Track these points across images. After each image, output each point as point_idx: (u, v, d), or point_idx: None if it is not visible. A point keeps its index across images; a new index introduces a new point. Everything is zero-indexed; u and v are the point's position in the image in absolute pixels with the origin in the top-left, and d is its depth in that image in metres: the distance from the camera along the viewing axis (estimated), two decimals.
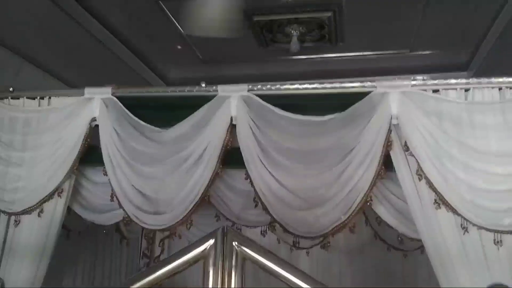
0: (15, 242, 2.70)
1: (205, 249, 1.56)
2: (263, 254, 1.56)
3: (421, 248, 4.55)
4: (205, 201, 2.60)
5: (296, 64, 5.39)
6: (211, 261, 1.55)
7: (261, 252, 1.57)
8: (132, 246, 4.88)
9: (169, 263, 1.57)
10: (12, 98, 2.90)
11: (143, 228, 3.89)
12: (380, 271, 4.82)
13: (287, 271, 1.53)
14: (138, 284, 1.55)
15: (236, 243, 1.56)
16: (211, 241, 1.56)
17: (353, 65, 5.27)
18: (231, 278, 1.55)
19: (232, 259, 1.55)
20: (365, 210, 4.33)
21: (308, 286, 1.50)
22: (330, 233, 2.48)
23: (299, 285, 1.51)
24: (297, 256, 5.42)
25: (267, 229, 3.75)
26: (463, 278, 2.30)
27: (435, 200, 2.29)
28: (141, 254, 5.04)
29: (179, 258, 1.57)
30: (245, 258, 1.56)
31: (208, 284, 1.55)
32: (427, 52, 5.17)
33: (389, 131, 2.40)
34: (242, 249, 1.55)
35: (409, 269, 4.75)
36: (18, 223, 2.71)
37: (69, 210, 2.98)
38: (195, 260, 1.57)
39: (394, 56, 5.19)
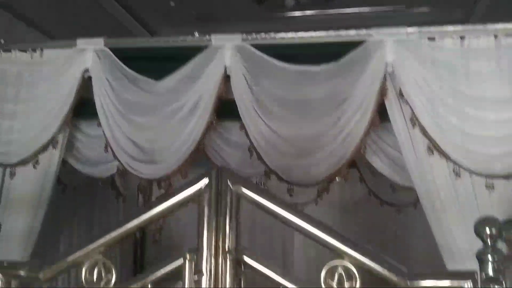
0: (11, 193, 2.72)
1: (200, 188, 1.57)
2: (259, 192, 1.57)
3: (414, 203, 4.64)
4: (200, 152, 2.61)
5: (291, 22, 5.31)
6: (206, 200, 1.56)
7: (256, 190, 1.58)
8: (128, 203, 4.90)
9: (164, 201, 1.58)
10: (3, 51, 2.86)
11: (138, 184, 3.91)
12: (374, 227, 4.89)
13: (282, 209, 1.55)
14: (135, 222, 1.56)
15: (231, 182, 1.57)
16: (206, 180, 1.56)
17: (349, 22, 5.21)
18: (226, 217, 1.57)
19: (227, 197, 1.57)
20: (359, 166, 4.41)
21: (302, 222, 1.51)
22: (325, 181, 2.50)
23: (294, 222, 1.53)
24: (291, 229, 5.47)
25: (262, 183, 3.76)
26: (455, 224, 2.33)
27: (428, 146, 2.31)
28: None
29: (174, 196, 1.58)
30: (240, 197, 1.57)
31: (203, 223, 1.56)
32: (423, 8, 5.11)
33: (384, 79, 2.39)
34: (237, 187, 1.56)
35: (402, 225, 4.82)
36: (14, 175, 2.72)
37: (64, 164, 2.99)
38: (190, 199, 1.58)
39: (390, 12, 5.12)
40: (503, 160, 2.24)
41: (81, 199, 3.98)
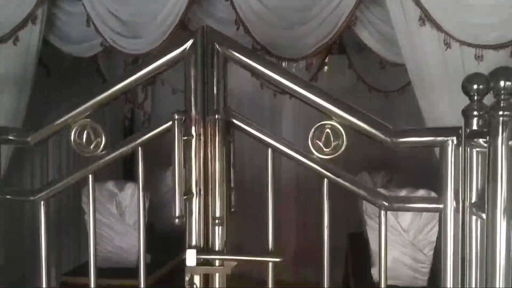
0: None
1: (185, 49, 1.52)
2: (246, 54, 1.53)
3: (402, 88, 4.68)
4: (184, 27, 2.53)
5: None
6: (192, 61, 1.53)
7: (243, 51, 1.54)
8: None
9: (150, 64, 1.55)
10: None
11: (124, 68, 3.85)
12: None
13: (271, 71, 1.52)
14: (122, 84, 1.54)
15: (217, 42, 1.52)
16: (191, 41, 1.52)
17: None
18: (213, 79, 1.55)
19: (213, 58, 1.53)
20: (348, 51, 4.37)
21: (292, 84, 1.50)
22: (313, 55, 2.47)
23: (284, 83, 1.51)
24: (280, 102, 5.53)
25: None
26: (443, 99, 2.35)
27: (420, 17, 2.25)
28: (126, 99, 5.07)
29: (159, 59, 1.55)
30: (227, 58, 1.54)
31: (190, 85, 1.54)
32: None
33: None
34: (224, 48, 1.52)
35: (389, 111, 4.89)
36: None
37: (46, 44, 2.92)
38: (175, 60, 1.54)
39: None
40: (494, 30, 2.20)
41: (66, 85, 3.94)
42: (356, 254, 3.97)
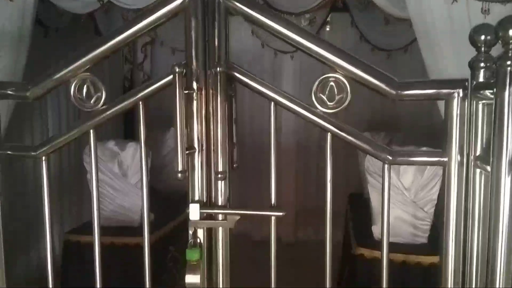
0: None
1: (184, 0, 1.48)
2: (247, 4, 1.49)
3: (405, 47, 4.62)
4: None
5: None
6: (192, 13, 1.49)
7: (245, 1, 1.49)
8: None
9: (149, 15, 1.51)
10: None
11: None
12: None
13: (275, 22, 1.48)
14: (119, 37, 1.51)
15: None
16: None
17: None
18: (214, 30, 1.51)
19: (214, 10, 1.49)
20: (351, 9, 4.28)
21: (296, 36, 1.46)
22: (315, 9, 2.41)
23: (288, 35, 1.47)
24: (281, 61, 5.47)
25: None
26: (448, 54, 2.32)
27: None
28: (124, 59, 5.02)
29: (158, 10, 1.50)
30: (228, 8, 1.50)
31: (191, 38, 1.51)
32: None
33: None
34: None
35: (392, 72, 4.85)
36: None
37: (42, 0, 2.86)
38: (174, 12, 1.50)
39: None
40: None
41: (64, 45, 3.88)
42: (356, 213, 4.01)
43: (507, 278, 1.23)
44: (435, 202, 3.08)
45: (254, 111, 5.39)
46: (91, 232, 1.68)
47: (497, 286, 1.23)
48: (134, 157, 3.56)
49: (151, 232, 1.69)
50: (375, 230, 3.23)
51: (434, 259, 2.95)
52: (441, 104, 2.52)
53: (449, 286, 1.45)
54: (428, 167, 3.04)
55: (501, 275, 1.23)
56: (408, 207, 3.08)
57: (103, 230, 1.72)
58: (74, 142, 1.69)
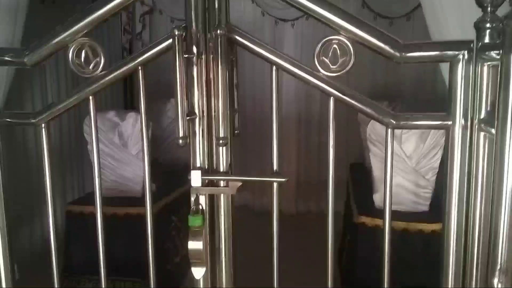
0: None
1: None
2: None
3: (408, 15, 4.56)
4: None
5: None
6: None
7: None
8: (113, 24, 4.77)
9: None
10: None
11: None
12: None
13: None
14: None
15: None
16: None
17: None
18: None
19: None
20: None
21: None
22: None
23: None
24: (282, 30, 5.41)
25: None
26: (453, 23, 2.28)
27: None
28: (123, 29, 4.96)
29: None
30: None
31: None
32: None
33: None
34: None
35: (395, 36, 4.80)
36: None
37: None
38: None
39: None
40: None
41: (62, 14, 3.83)
42: (357, 183, 4.02)
43: (509, 241, 1.22)
44: (437, 170, 3.08)
45: (255, 77, 5.37)
46: (93, 203, 1.67)
47: (500, 249, 1.23)
48: (134, 127, 3.55)
49: (153, 202, 1.68)
50: (377, 198, 3.23)
51: (436, 226, 2.97)
52: (444, 68, 2.49)
53: (451, 252, 1.45)
54: (430, 135, 3.03)
55: (503, 239, 1.23)
56: (409, 175, 3.08)
57: (105, 201, 1.71)
58: (74, 114, 1.68)
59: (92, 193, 1.68)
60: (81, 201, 3.78)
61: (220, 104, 1.52)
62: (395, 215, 1.52)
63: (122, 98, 5.69)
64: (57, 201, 4.09)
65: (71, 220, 3.57)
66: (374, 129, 3.12)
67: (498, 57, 1.21)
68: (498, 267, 1.24)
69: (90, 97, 1.59)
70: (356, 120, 4.23)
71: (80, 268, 3.48)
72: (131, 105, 5.51)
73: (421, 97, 5.05)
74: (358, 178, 4.08)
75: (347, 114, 3.91)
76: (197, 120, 1.54)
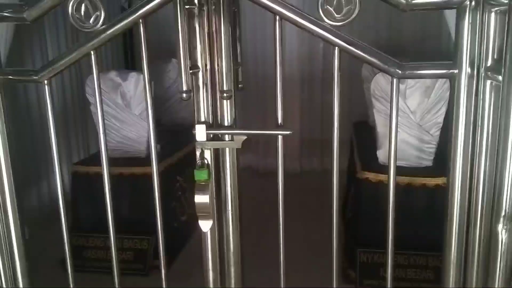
0: None
1: None
2: None
3: None
4: None
5: None
6: None
7: None
8: None
9: None
10: None
11: None
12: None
13: None
14: None
15: None
16: None
17: None
18: None
19: None
20: None
21: None
22: None
23: None
24: None
25: None
26: None
27: None
28: None
29: None
30: None
31: None
32: None
33: None
34: None
35: None
36: None
37: None
38: None
39: None
40: None
41: None
42: (361, 140, 4.02)
43: None
44: (441, 125, 3.07)
45: (257, 30, 5.31)
46: (99, 163, 1.66)
47: (505, 196, 1.24)
48: (137, 87, 3.53)
49: (158, 161, 1.68)
50: (380, 154, 3.24)
51: (439, 180, 2.99)
52: (449, 17, 2.45)
53: (455, 204, 1.46)
54: (435, 89, 3.01)
55: (509, 185, 1.23)
56: (413, 130, 3.08)
57: (111, 161, 1.70)
58: (76, 76, 1.66)
59: (97, 154, 1.69)
60: (87, 162, 3.80)
61: (223, 57, 1.50)
62: (399, 170, 1.52)
63: (123, 60, 5.65)
64: (63, 162, 4.12)
65: (78, 180, 3.60)
66: (378, 85, 3.09)
67: (506, 1, 1.18)
68: (503, 213, 1.25)
69: (92, 52, 1.57)
70: (359, 79, 4.20)
71: (88, 227, 3.53)
72: (132, 67, 5.47)
73: (424, 53, 4.99)
74: (362, 136, 4.08)
75: (350, 73, 3.86)
76: (200, 73, 1.53)
